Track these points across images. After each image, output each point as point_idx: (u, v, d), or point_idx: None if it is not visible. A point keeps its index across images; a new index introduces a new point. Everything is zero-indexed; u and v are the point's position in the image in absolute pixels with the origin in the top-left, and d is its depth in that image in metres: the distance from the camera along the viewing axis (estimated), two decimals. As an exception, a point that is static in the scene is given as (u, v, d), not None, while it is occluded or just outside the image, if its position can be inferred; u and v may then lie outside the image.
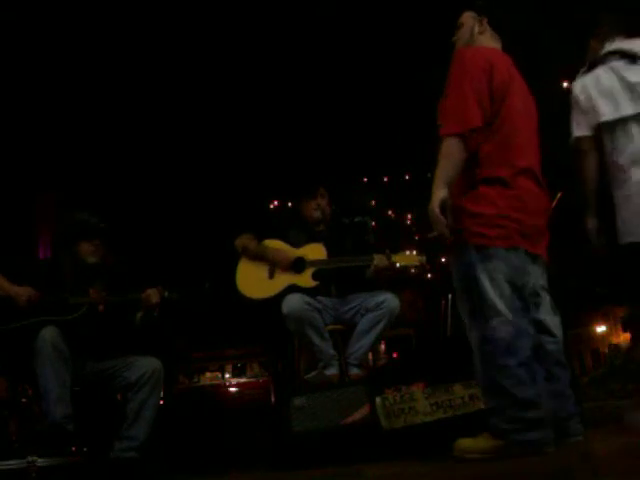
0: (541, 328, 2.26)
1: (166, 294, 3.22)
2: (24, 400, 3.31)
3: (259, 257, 3.56)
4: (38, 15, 4.33)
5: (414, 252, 3.58)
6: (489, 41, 2.45)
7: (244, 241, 3.64)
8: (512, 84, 2.29)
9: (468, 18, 2.49)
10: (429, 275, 6.32)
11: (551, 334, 2.28)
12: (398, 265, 3.44)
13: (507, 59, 2.40)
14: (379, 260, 3.37)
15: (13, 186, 5.09)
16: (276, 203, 6.47)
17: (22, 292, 3.01)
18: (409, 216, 6.88)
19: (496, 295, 2.14)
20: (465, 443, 2.16)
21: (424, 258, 3.44)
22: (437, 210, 2.15)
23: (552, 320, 2.30)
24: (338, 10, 4.57)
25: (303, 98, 5.25)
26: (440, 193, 2.16)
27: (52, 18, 4.38)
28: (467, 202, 2.23)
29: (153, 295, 3.15)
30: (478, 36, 2.45)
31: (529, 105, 2.41)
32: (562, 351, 2.29)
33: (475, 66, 2.24)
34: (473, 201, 2.23)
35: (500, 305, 2.13)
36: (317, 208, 3.67)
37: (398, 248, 3.51)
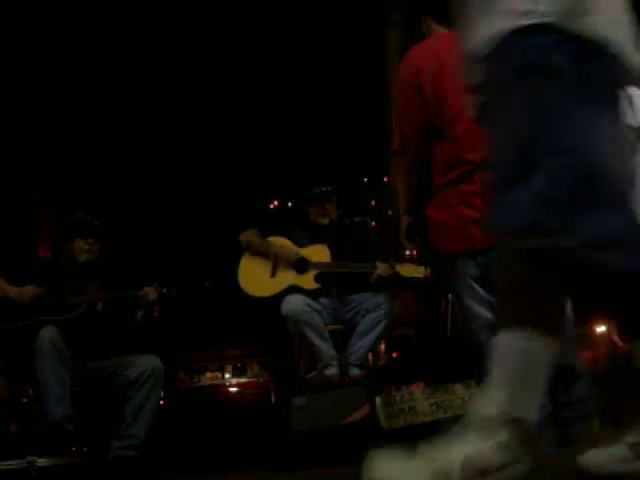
0: None
1: (164, 291, 3.22)
2: (24, 400, 3.31)
3: (263, 253, 3.54)
4: (38, 15, 4.33)
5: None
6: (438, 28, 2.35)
7: (249, 236, 3.61)
8: (450, 72, 2.12)
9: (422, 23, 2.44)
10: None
11: None
12: (402, 276, 3.42)
13: (450, 42, 2.29)
14: (383, 269, 3.35)
15: (13, 186, 5.09)
16: (276, 203, 6.47)
17: (24, 291, 3.02)
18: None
19: (471, 298, 2.11)
20: None
21: (428, 270, 3.42)
22: (402, 238, 2.36)
23: None
24: (338, 10, 4.57)
25: (303, 98, 5.25)
26: (404, 220, 2.35)
27: (52, 18, 4.38)
28: (431, 212, 2.23)
29: (151, 292, 3.15)
30: (427, 31, 2.38)
31: None
32: (568, 351, 2.13)
33: (399, 85, 2.26)
34: (434, 209, 2.22)
35: (476, 308, 2.09)
36: (325, 214, 3.67)
37: (403, 260, 3.48)
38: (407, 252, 2.48)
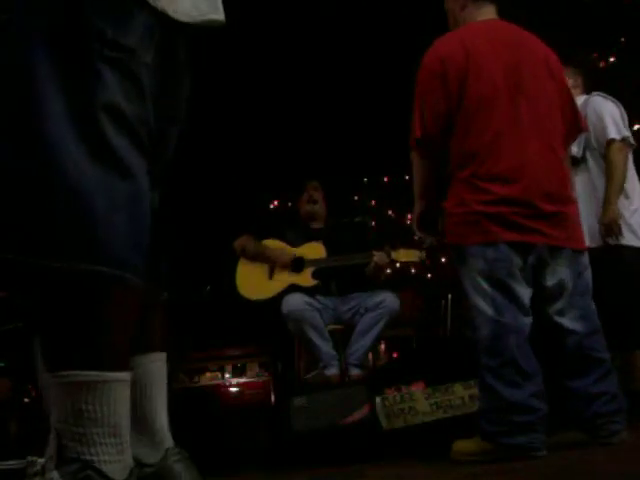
0: (555, 325, 2.15)
1: (165, 295, 3.22)
2: (27, 400, 3.31)
3: (258, 257, 3.56)
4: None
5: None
6: (474, 13, 2.32)
7: (242, 242, 3.64)
8: (477, 64, 2.15)
9: (448, 2, 2.42)
10: (429, 275, 6.32)
11: (567, 329, 2.13)
12: (398, 262, 3.45)
13: (484, 32, 2.24)
14: (379, 257, 3.37)
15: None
16: (276, 203, 6.47)
17: None
18: (409, 216, 6.87)
19: (475, 293, 2.10)
20: (460, 445, 2.15)
21: (424, 254, 3.44)
22: (415, 226, 2.33)
23: (569, 313, 2.14)
24: (339, 7, 4.57)
25: (303, 97, 5.25)
26: (416, 207, 2.31)
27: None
28: (445, 203, 2.24)
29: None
30: (459, 15, 2.35)
31: (523, 71, 2.19)
32: (593, 345, 2.13)
33: (424, 73, 2.24)
34: (447, 201, 2.23)
35: (480, 303, 2.09)
36: (309, 201, 3.67)
37: (398, 246, 3.51)
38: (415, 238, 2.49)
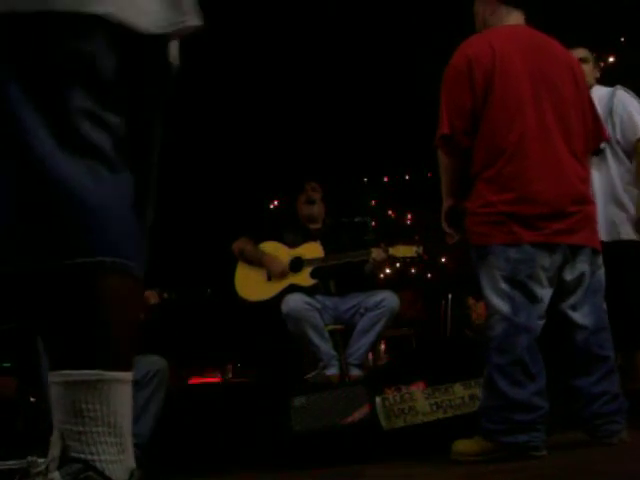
0: (567, 319, 2.17)
1: (165, 295, 3.23)
2: (33, 400, 3.31)
3: (256, 262, 3.57)
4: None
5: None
6: (503, 18, 2.35)
7: (241, 244, 3.65)
8: (504, 66, 2.18)
9: (477, 5, 2.44)
10: (429, 275, 6.33)
11: (578, 324, 2.16)
12: (396, 258, 3.45)
13: (512, 37, 2.28)
14: (377, 254, 3.37)
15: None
16: (276, 203, 6.47)
17: None
18: (409, 216, 6.88)
19: (493, 292, 2.12)
20: (460, 445, 2.15)
21: (421, 249, 3.44)
22: (443, 222, 2.35)
23: (582, 308, 2.17)
24: (339, 7, 4.57)
25: (303, 97, 5.25)
26: (444, 204, 2.32)
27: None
28: (468, 202, 2.25)
29: (151, 296, 3.16)
30: (489, 18, 2.37)
31: (548, 77, 2.23)
32: (599, 342, 2.16)
33: (451, 72, 2.25)
34: (471, 200, 2.23)
35: (497, 302, 2.10)
36: (308, 200, 3.66)
37: (395, 243, 3.51)
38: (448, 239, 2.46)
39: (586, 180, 2.28)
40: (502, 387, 2.04)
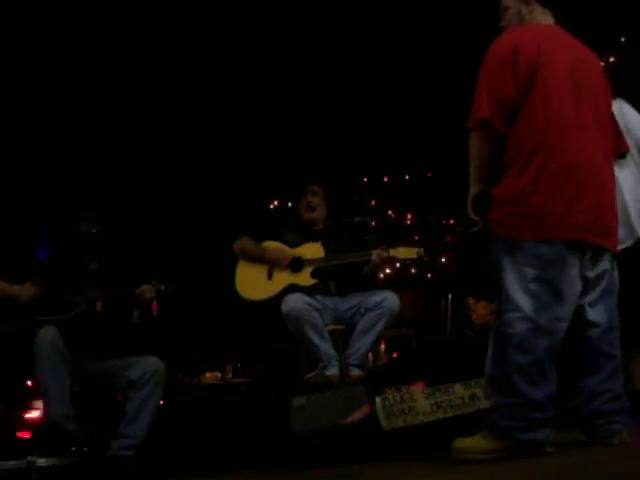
0: (582, 315, 2.16)
1: (162, 288, 3.22)
2: (27, 400, 3.32)
3: (257, 258, 3.57)
4: (37, 16, 4.33)
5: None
6: (539, 18, 2.36)
7: (242, 243, 3.65)
8: (548, 61, 2.18)
9: (512, 1, 2.41)
10: (429, 275, 6.32)
11: (591, 321, 2.16)
12: (397, 259, 3.44)
13: (552, 35, 2.29)
14: (377, 255, 3.37)
15: (13, 186, 5.08)
16: (276, 203, 6.47)
17: (24, 289, 3.04)
18: (409, 216, 6.87)
19: (519, 290, 2.08)
20: (464, 443, 2.15)
21: (422, 250, 3.44)
22: (469, 207, 2.26)
23: (597, 306, 2.18)
24: (340, 7, 4.57)
25: (303, 97, 5.25)
26: (472, 190, 2.24)
27: (51, 18, 4.38)
28: (496, 191, 2.19)
29: (148, 290, 3.16)
30: (527, 15, 2.36)
31: (585, 79, 2.24)
32: (609, 340, 2.17)
33: (495, 57, 2.20)
34: (501, 189, 2.18)
35: (521, 300, 2.07)
36: (308, 205, 3.66)
37: (396, 244, 3.51)
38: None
39: (614, 184, 2.29)
40: (520, 386, 2.04)
